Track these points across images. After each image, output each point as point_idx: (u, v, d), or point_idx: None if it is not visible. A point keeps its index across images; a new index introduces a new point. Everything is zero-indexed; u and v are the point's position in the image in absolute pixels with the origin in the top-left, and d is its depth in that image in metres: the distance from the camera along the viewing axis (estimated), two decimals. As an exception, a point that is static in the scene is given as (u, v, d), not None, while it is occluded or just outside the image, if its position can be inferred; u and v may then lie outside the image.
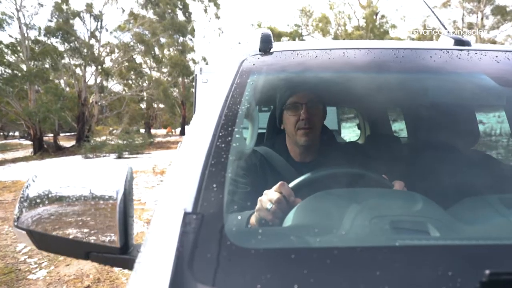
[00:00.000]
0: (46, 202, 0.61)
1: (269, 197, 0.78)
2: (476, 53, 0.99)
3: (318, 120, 1.16)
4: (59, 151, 15.70)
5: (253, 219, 0.80)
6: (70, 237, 0.60)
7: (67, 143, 17.99)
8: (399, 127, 2.45)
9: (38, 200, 0.61)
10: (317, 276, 0.45)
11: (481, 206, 0.75)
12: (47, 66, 16.40)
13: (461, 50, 1.01)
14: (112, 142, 13.55)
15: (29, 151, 15.93)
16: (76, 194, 0.62)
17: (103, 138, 14.54)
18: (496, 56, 0.98)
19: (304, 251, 0.51)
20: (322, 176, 0.90)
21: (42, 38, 16.19)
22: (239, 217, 0.74)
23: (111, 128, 14.34)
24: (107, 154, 13.04)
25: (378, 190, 0.88)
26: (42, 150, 15.13)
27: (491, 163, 1.19)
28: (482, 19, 23.59)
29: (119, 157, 12.53)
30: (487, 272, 0.42)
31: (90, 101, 18.13)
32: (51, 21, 16.36)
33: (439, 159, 1.07)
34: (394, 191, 0.87)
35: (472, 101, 1.22)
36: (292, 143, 1.19)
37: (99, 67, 17.49)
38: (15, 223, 0.62)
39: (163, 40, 22.07)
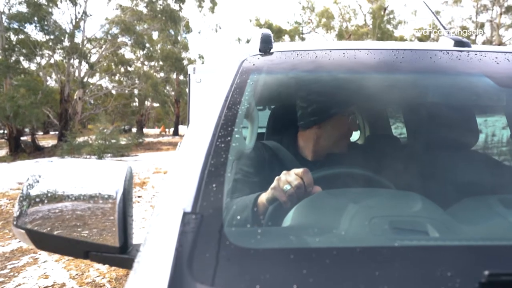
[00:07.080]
0: (46, 201, 0.63)
1: (289, 179, 0.79)
2: (476, 54, 1.02)
3: None
4: (38, 151, 15.13)
5: (263, 198, 0.81)
6: (69, 236, 0.62)
7: (54, 142, 17.27)
8: (399, 128, 2.50)
9: (37, 200, 0.63)
10: (316, 276, 0.46)
11: (480, 206, 0.77)
12: (22, 57, 15.61)
13: (461, 51, 1.04)
14: (96, 143, 12.74)
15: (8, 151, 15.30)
16: (75, 193, 0.63)
17: (87, 138, 13.69)
18: (496, 57, 1.02)
19: (303, 251, 0.52)
20: (345, 174, 0.93)
21: (16, 25, 15.16)
22: (239, 217, 0.76)
23: (101, 127, 13.83)
24: (87, 156, 12.22)
25: (377, 190, 0.91)
26: (19, 150, 14.53)
27: (491, 163, 1.23)
28: (500, 14, 23.44)
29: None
30: (486, 272, 0.44)
31: (74, 97, 17.64)
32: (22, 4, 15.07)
33: (439, 160, 1.09)
34: (393, 191, 0.91)
35: (471, 102, 1.25)
36: (317, 145, 1.21)
37: (83, 59, 16.75)
38: (14, 223, 0.64)
39: (155, 34, 21.58)
